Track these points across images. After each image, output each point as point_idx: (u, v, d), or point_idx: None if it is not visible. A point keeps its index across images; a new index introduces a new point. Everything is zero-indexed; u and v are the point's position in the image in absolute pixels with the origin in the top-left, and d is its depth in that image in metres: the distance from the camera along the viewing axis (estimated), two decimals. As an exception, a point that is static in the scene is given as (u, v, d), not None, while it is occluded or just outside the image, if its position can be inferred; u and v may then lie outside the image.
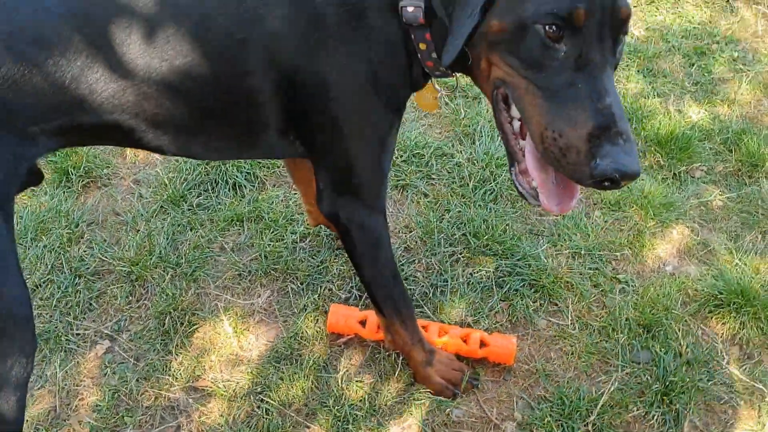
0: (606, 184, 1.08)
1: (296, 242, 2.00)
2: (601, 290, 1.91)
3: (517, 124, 1.22)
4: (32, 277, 1.89)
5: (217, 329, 1.81)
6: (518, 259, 1.95)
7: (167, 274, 1.91)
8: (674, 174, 2.21)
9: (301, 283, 1.91)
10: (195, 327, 1.81)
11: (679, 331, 1.80)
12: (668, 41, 2.66)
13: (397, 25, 1.28)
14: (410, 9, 1.23)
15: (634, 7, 2.82)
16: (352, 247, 1.51)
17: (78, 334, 1.80)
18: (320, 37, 1.26)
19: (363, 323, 1.78)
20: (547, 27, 1.08)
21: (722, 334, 1.82)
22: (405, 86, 1.39)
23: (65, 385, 1.71)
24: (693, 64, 2.57)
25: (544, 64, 1.09)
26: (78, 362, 1.75)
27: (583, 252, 1.99)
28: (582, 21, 1.07)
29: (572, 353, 1.77)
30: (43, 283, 1.89)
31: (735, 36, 2.70)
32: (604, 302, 1.89)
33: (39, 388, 1.71)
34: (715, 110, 2.41)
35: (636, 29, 2.73)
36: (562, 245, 2.01)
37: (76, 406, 1.68)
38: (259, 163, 2.17)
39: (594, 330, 1.81)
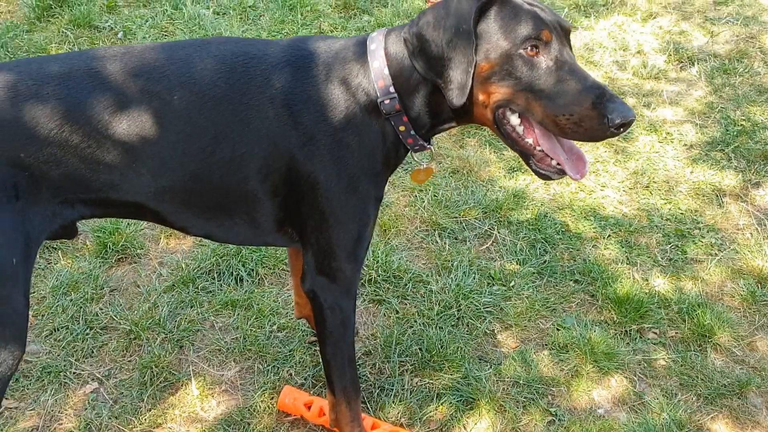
0: (621, 129, 1.43)
1: (273, 331, 2.31)
2: (531, 418, 2.09)
3: (520, 129, 1.54)
4: (53, 323, 2.27)
5: (186, 390, 2.11)
6: (463, 378, 2.18)
7: (159, 337, 2.25)
8: (625, 331, 2.42)
9: (267, 365, 2.20)
10: (168, 384, 2.12)
11: (592, 465, 1.95)
12: (652, 221, 2.94)
13: (376, 124, 1.60)
14: (387, 102, 1.57)
15: (630, 189, 3.15)
16: (322, 322, 1.78)
17: (75, 373, 2.14)
18: (311, 150, 1.59)
19: (309, 407, 2.04)
20: (527, 49, 1.45)
21: (635, 477, 1.96)
22: (386, 173, 1.70)
23: (51, 411, 2.03)
24: (670, 243, 2.82)
25: (534, 75, 1.45)
26: (67, 395, 2.07)
27: (522, 382, 2.20)
28: (549, 37, 1.45)
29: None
30: (61, 328, 2.27)
31: (717, 225, 2.94)
32: (532, 429, 2.06)
33: (30, 410, 2.03)
34: (679, 284, 2.63)
35: (626, 207, 3.03)
36: (505, 374, 2.22)
37: (54, 429, 1.98)
38: (263, 261, 2.54)
39: (513, 450, 1.99)
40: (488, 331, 2.38)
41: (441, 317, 2.40)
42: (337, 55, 1.62)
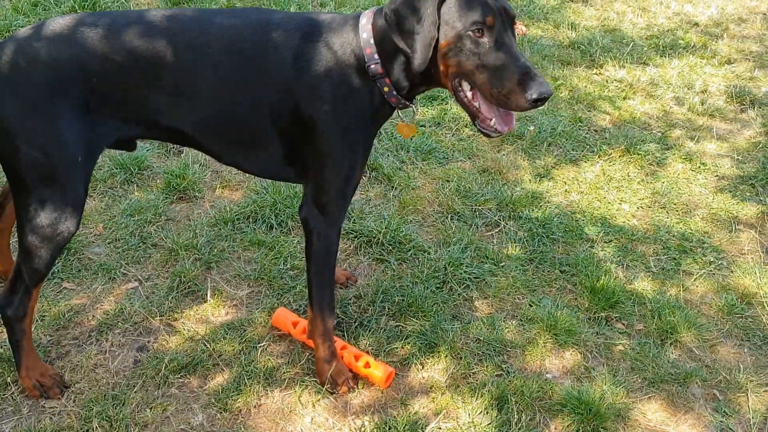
0: (538, 103, 1.80)
1: (287, 269, 2.74)
2: (483, 368, 2.39)
3: (470, 94, 1.93)
4: (116, 234, 2.82)
5: (203, 298, 2.57)
6: (432, 327, 2.51)
7: (193, 256, 2.74)
8: (593, 317, 2.65)
9: (273, 292, 2.63)
10: (191, 291, 2.59)
11: (523, 412, 2.22)
12: (658, 234, 3.12)
13: (364, 84, 1.99)
14: (372, 66, 1.97)
15: (647, 206, 3.33)
16: (310, 247, 2.18)
17: (123, 273, 2.66)
18: (312, 99, 1.99)
19: (295, 326, 2.44)
20: (473, 31, 1.83)
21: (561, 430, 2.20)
22: (372, 125, 2.09)
23: (98, 296, 2.55)
24: (668, 255, 3.00)
25: (477, 53, 1.83)
26: (113, 287, 2.59)
27: (483, 340, 2.49)
28: (493, 22, 1.83)
29: (433, 390, 2.27)
30: (121, 239, 2.80)
31: (721, 247, 3.08)
32: (479, 378, 2.36)
33: (83, 292, 2.56)
34: (662, 288, 2.82)
35: (637, 220, 3.23)
36: (471, 331, 2.53)
37: (96, 308, 2.50)
38: (293, 215, 2.97)
39: (460, 387, 2.30)
40: (467, 297, 2.70)
41: (429, 279, 2.73)
42: (338, 26, 2.04)
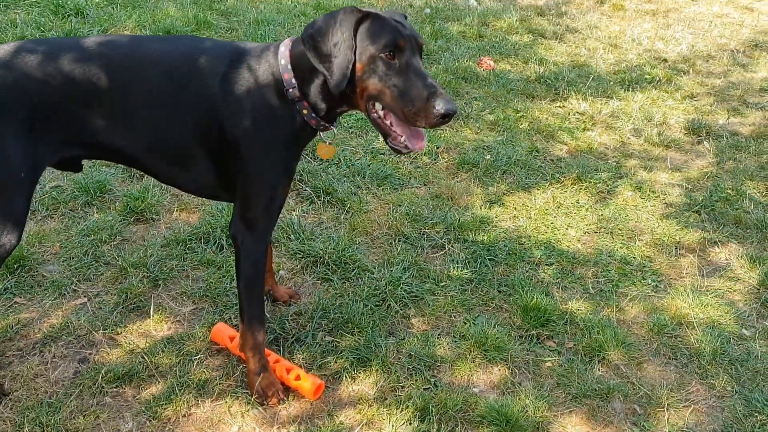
0: (445, 119, 1.91)
1: (231, 288, 2.84)
2: (412, 382, 2.46)
3: (382, 113, 2.04)
4: (70, 253, 2.93)
5: (147, 314, 2.67)
6: (366, 342, 2.59)
7: (142, 274, 2.84)
8: (525, 335, 2.73)
9: (216, 309, 2.73)
10: (136, 307, 2.69)
11: (443, 423, 2.29)
12: (600, 258, 3.22)
13: (284, 107, 2.12)
14: (290, 90, 2.10)
15: (594, 232, 3.43)
16: (237, 261, 2.29)
17: (73, 289, 2.77)
18: (236, 121, 2.12)
19: (232, 340, 2.53)
20: (386, 54, 1.96)
21: (479, 440, 2.28)
22: (294, 146, 2.20)
23: (47, 311, 2.65)
24: (606, 278, 3.09)
25: (389, 74, 1.96)
26: (62, 302, 2.70)
27: (415, 355, 2.58)
28: (403, 45, 1.97)
29: (360, 402, 2.35)
30: (75, 257, 2.92)
31: (661, 271, 3.17)
32: (407, 392, 2.43)
33: (32, 307, 2.66)
34: (596, 308, 2.90)
35: (581, 245, 3.33)
36: (404, 347, 2.61)
37: (44, 322, 2.60)
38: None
39: (387, 400, 2.38)
40: (405, 315, 2.79)
41: (369, 297, 2.83)
42: (260, 53, 2.17)
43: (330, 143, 2.32)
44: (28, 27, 4.77)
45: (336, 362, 2.53)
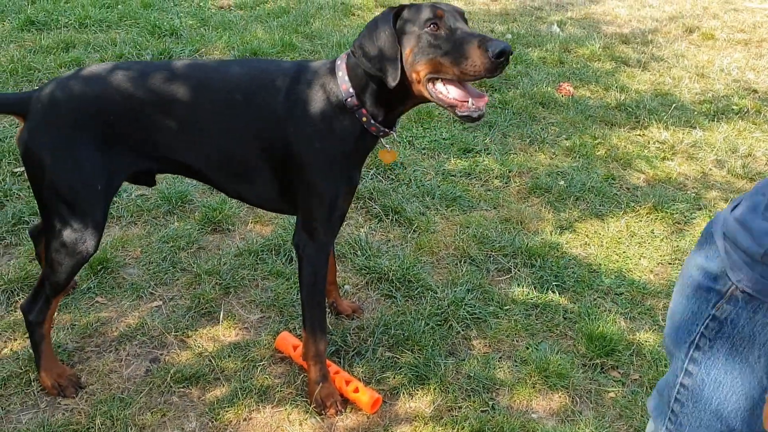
0: (502, 57, 1.91)
1: (298, 300, 2.92)
2: (470, 404, 2.46)
3: (444, 90, 2.04)
4: (150, 258, 3.09)
5: (217, 319, 2.78)
6: (425, 360, 2.61)
7: (214, 281, 2.96)
8: (587, 363, 2.67)
9: (282, 318, 2.81)
10: (206, 312, 2.81)
11: (498, 446, 2.28)
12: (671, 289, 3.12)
13: (345, 118, 2.17)
14: (349, 100, 2.17)
15: (668, 263, 3.33)
16: (300, 269, 2.36)
17: (150, 292, 2.91)
18: (299, 135, 2.21)
19: (295, 349, 2.60)
20: (429, 27, 2.01)
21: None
22: (355, 156, 2.24)
23: (125, 311, 2.80)
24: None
25: (438, 44, 2.00)
26: (139, 304, 2.84)
27: (474, 376, 2.57)
28: (442, 14, 2.02)
29: (416, 420, 2.36)
30: (154, 262, 3.07)
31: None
32: (464, 413, 2.43)
33: (112, 307, 2.82)
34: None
35: (654, 276, 3.24)
36: (464, 367, 2.61)
37: (120, 321, 2.75)
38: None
39: (443, 419, 2.38)
40: (466, 336, 2.78)
41: (431, 315, 2.84)
42: (319, 70, 2.25)
43: (390, 148, 2.37)
44: (126, 45, 5.08)
45: (394, 378, 2.56)
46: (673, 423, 1.43)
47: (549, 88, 5.11)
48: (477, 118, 2.07)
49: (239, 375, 2.52)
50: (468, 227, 3.46)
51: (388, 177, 3.85)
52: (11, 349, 2.56)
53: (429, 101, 2.11)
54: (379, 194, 3.65)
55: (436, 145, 4.23)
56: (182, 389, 2.46)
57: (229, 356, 2.60)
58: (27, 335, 2.50)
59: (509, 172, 4.01)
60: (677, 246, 3.48)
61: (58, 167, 2.15)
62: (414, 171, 3.92)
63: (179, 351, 2.62)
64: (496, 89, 5.03)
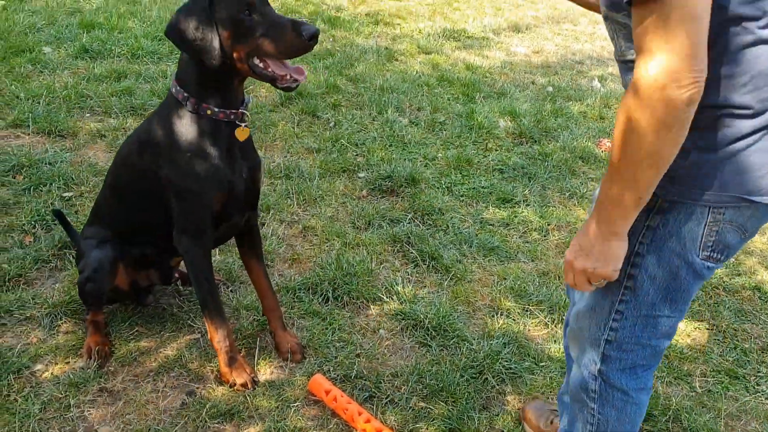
0: (314, 39, 2.19)
1: (333, 341, 2.93)
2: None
3: (262, 65, 2.27)
4: (191, 291, 3.13)
5: (252, 355, 2.80)
6: (459, 413, 2.60)
7: (252, 317, 2.99)
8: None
9: (317, 359, 2.82)
10: (242, 347, 2.84)
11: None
12: (711, 355, 3.07)
13: (187, 116, 2.36)
14: (188, 104, 2.34)
15: (707, 330, 3.29)
16: (186, 265, 2.61)
17: (189, 324, 2.95)
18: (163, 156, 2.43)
19: (327, 393, 2.60)
20: (244, 14, 2.20)
21: None
22: (214, 146, 2.38)
23: (163, 341, 2.84)
24: (717, 378, 2.94)
25: (253, 27, 2.21)
26: (177, 335, 2.88)
27: (506, 431, 2.55)
28: (254, 2, 2.21)
29: None
30: (193, 293, 3.12)
31: (779, 378, 2.98)
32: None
33: (151, 336, 2.86)
34: (702, 409, 2.76)
35: (691, 340, 3.19)
36: (497, 422, 2.59)
37: (159, 351, 2.79)
38: (349, 291, 3.19)
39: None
40: (501, 391, 2.77)
41: (466, 367, 2.84)
42: (164, 100, 2.49)
43: (245, 126, 2.46)
44: (177, 78, 5.21)
45: (427, 428, 2.55)
46: (618, 322, 1.79)
47: (589, 143, 5.13)
48: (294, 87, 2.32)
49: (273, 414, 2.53)
50: (505, 279, 3.46)
51: (426, 222, 3.88)
52: (52, 373, 2.61)
53: (252, 76, 2.31)
54: (417, 239, 3.68)
55: (475, 193, 4.26)
56: (217, 425, 2.47)
57: (264, 394, 2.62)
58: (68, 360, 2.55)
59: (548, 225, 4.02)
60: (716, 311, 3.44)
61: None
62: (452, 218, 3.95)
63: (215, 386, 2.64)
64: (536, 141, 5.07)
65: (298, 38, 2.18)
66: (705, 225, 1.60)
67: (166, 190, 2.46)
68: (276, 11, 2.28)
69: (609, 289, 1.78)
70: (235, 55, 2.25)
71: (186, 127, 2.38)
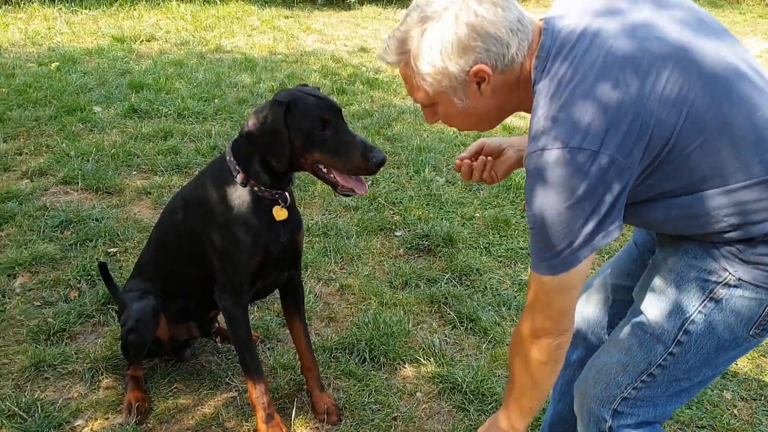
0: (380, 167, 2.32)
1: (369, 403, 2.91)
2: None
3: (325, 170, 2.37)
4: (231, 349, 3.16)
5: (288, 415, 2.80)
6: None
7: (288, 376, 3.00)
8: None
9: (352, 422, 2.80)
10: (279, 407, 2.83)
11: None
12: (760, 426, 2.96)
13: (236, 190, 2.45)
14: (238, 176, 2.43)
15: (753, 400, 3.18)
16: (226, 321, 2.65)
17: (227, 383, 2.96)
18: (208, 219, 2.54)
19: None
20: (317, 129, 2.30)
21: None
22: (255, 218, 2.46)
23: (201, 399, 2.86)
24: (768, 452, 2.83)
25: (325, 143, 2.32)
26: (215, 393, 2.89)
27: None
28: (329, 118, 2.31)
29: None
30: (232, 350, 3.14)
31: None
32: None
33: (190, 393, 2.88)
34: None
35: (737, 411, 3.09)
36: None
37: (197, 408, 2.80)
38: (386, 352, 3.18)
39: None
40: (540, 458, 2.70)
41: None
42: (216, 159, 2.62)
43: (283, 206, 2.52)
44: (220, 138, 5.38)
45: (465, 496, 2.50)
46: (647, 383, 1.83)
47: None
48: (351, 195, 2.40)
49: (309, 477, 2.51)
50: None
51: (464, 283, 3.87)
52: (92, 429, 2.64)
53: (314, 175, 2.42)
54: (454, 299, 3.67)
55: (513, 253, 4.25)
56: (252, 486, 2.46)
57: (300, 456, 2.60)
58: (107, 415, 2.57)
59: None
60: (761, 380, 3.33)
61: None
62: (489, 278, 3.93)
63: (251, 445, 2.64)
64: (573, 202, 5.05)
65: (366, 162, 2.29)
66: (766, 306, 1.69)
67: (207, 248, 2.56)
68: (349, 129, 2.38)
69: (650, 350, 1.79)
70: (302, 160, 2.38)
71: (231, 195, 2.47)
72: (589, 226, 1.58)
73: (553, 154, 1.54)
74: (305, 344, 2.84)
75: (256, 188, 2.45)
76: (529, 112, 1.70)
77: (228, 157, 2.47)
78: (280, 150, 2.32)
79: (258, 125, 2.33)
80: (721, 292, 1.69)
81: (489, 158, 2.17)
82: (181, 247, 2.69)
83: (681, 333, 1.74)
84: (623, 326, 1.90)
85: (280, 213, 2.52)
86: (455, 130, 6.28)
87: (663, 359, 1.78)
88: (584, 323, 2.28)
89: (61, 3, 9.64)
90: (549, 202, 1.57)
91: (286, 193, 2.52)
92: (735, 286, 1.68)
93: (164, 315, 2.80)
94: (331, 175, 2.37)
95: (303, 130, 2.31)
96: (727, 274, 1.68)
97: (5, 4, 9.27)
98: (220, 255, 2.53)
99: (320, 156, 2.34)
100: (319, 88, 2.50)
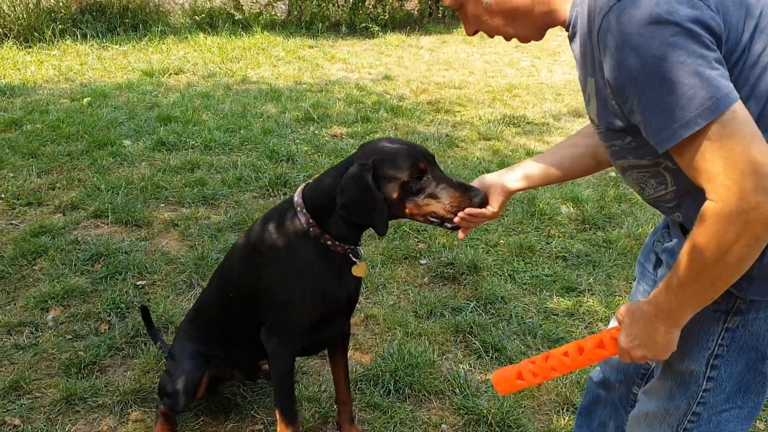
0: (483, 204, 2.16)
1: None
2: None
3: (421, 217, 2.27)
4: (259, 385, 3.19)
5: None
6: None
7: (314, 409, 3.01)
8: None
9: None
10: None
11: None
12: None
13: (308, 242, 2.36)
14: (311, 230, 2.34)
15: (761, 422, 3.11)
16: (269, 362, 2.58)
17: (252, 415, 2.99)
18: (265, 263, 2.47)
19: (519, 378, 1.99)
20: (414, 178, 2.20)
21: None
22: (326, 270, 2.39)
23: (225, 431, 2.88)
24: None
25: (423, 192, 2.22)
26: (242, 427, 2.92)
27: None
28: (424, 167, 2.21)
29: None
30: (260, 387, 3.16)
31: None
32: None
33: (218, 424, 2.91)
34: None
35: (763, 424, 3.02)
36: None
37: None
38: (411, 383, 3.18)
39: None
40: (568, 492, 2.67)
41: None
42: (281, 207, 2.50)
43: (359, 262, 2.45)
44: (246, 168, 5.46)
45: None
46: (694, 423, 1.76)
47: (642, 231, 5.05)
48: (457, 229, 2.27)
49: None
50: (571, 372, 3.38)
51: (489, 311, 3.86)
52: (120, 463, 2.67)
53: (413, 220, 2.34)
54: (479, 329, 3.66)
55: (538, 281, 4.23)
56: None
57: (325, 490, 2.60)
58: (137, 450, 2.61)
59: (614, 315, 3.93)
60: (798, 410, 3.26)
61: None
62: (515, 307, 3.92)
63: (277, 479, 2.65)
64: (600, 227, 5.02)
65: (468, 201, 2.18)
66: None
67: (267, 295, 2.48)
68: (444, 172, 2.29)
69: (686, 391, 1.76)
70: (400, 212, 2.28)
71: (302, 247, 2.39)
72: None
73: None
74: (343, 378, 2.82)
75: (329, 242, 2.35)
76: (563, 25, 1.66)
77: (299, 208, 2.37)
78: (379, 212, 2.21)
79: (349, 196, 2.23)
80: (735, 320, 1.66)
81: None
82: (240, 291, 2.61)
83: (709, 369, 1.72)
84: (655, 373, 1.89)
85: (359, 269, 2.45)
86: (479, 156, 6.30)
87: (701, 397, 1.75)
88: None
89: (92, 39, 9.91)
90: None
91: (359, 248, 2.44)
92: (746, 312, 1.64)
93: (210, 371, 2.79)
94: (430, 217, 2.27)
95: (398, 181, 2.21)
96: (735, 298, 1.63)
97: (40, 42, 9.56)
98: (281, 303, 2.46)
99: (417, 208, 2.24)
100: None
